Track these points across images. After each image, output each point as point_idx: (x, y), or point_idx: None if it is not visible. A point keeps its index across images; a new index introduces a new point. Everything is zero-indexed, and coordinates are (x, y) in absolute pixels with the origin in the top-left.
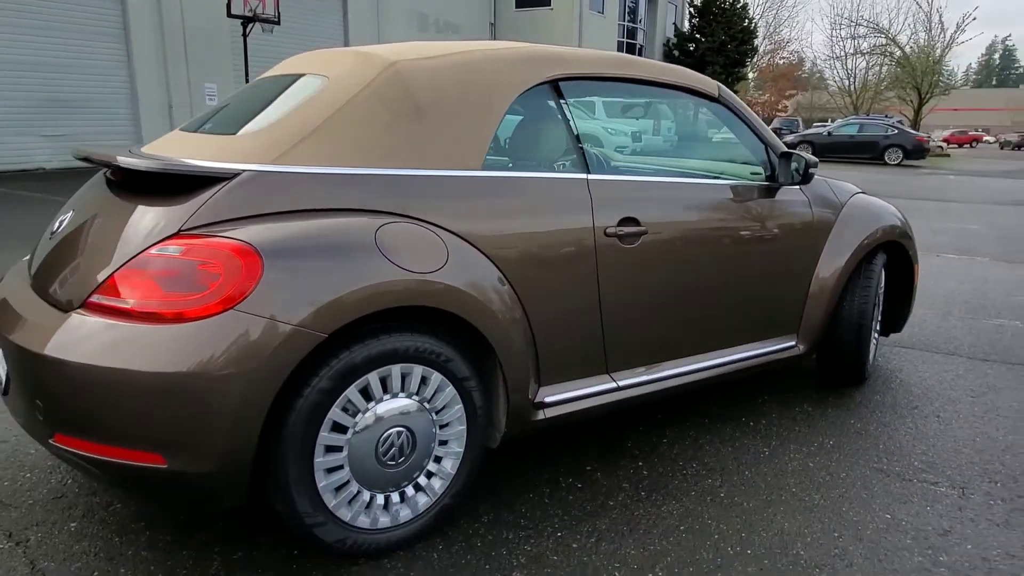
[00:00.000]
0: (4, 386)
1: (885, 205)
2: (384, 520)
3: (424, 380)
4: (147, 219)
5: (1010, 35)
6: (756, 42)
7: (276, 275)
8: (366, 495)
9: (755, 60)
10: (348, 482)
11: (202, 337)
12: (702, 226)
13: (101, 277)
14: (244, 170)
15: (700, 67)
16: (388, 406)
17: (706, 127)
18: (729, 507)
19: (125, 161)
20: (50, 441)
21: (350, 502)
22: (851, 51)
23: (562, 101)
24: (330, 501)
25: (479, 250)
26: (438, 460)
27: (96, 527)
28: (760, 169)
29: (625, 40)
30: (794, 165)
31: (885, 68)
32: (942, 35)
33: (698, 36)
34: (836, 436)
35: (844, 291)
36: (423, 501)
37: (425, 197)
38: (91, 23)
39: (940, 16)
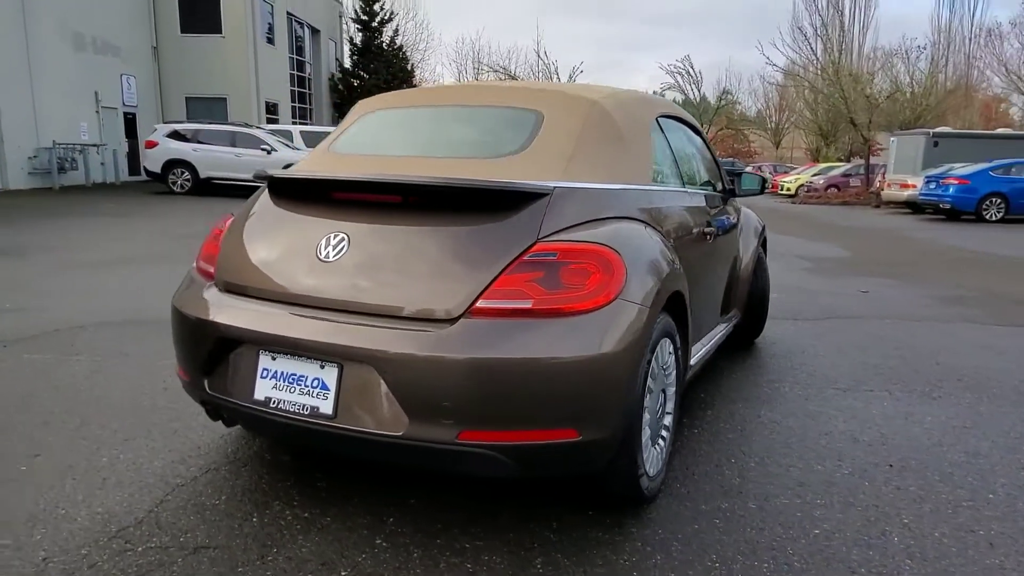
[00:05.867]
0: (333, 410)
1: (752, 212)
2: (654, 468)
3: (669, 350)
4: (499, 233)
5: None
6: (415, 81)
7: (632, 269)
8: (651, 446)
9: None
10: (647, 437)
11: (605, 322)
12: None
13: (479, 287)
14: (556, 187)
15: None
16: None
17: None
18: (742, 411)
19: (473, 183)
20: (456, 440)
21: (646, 454)
22: None
23: (663, 132)
24: (643, 455)
25: (674, 249)
26: (667, 415)
27: (321, 505)
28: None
29: (296, 72)
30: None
31: None
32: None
33: (362, 73)
34: (766, 363)
35: (753, 273)
36: (664, 450)
37: (644, 206)
38: None
39: (556, 68)
